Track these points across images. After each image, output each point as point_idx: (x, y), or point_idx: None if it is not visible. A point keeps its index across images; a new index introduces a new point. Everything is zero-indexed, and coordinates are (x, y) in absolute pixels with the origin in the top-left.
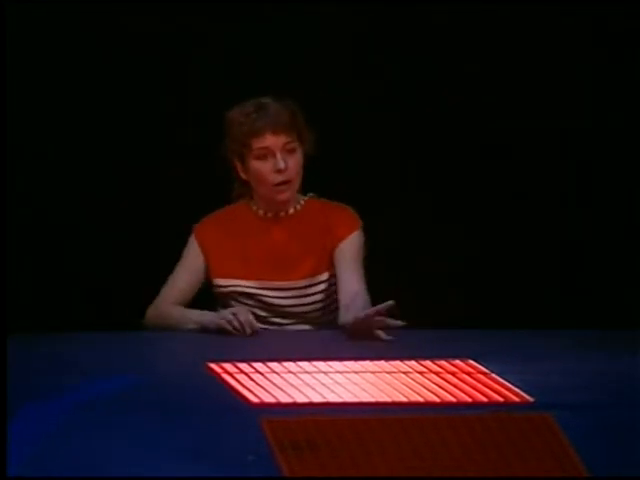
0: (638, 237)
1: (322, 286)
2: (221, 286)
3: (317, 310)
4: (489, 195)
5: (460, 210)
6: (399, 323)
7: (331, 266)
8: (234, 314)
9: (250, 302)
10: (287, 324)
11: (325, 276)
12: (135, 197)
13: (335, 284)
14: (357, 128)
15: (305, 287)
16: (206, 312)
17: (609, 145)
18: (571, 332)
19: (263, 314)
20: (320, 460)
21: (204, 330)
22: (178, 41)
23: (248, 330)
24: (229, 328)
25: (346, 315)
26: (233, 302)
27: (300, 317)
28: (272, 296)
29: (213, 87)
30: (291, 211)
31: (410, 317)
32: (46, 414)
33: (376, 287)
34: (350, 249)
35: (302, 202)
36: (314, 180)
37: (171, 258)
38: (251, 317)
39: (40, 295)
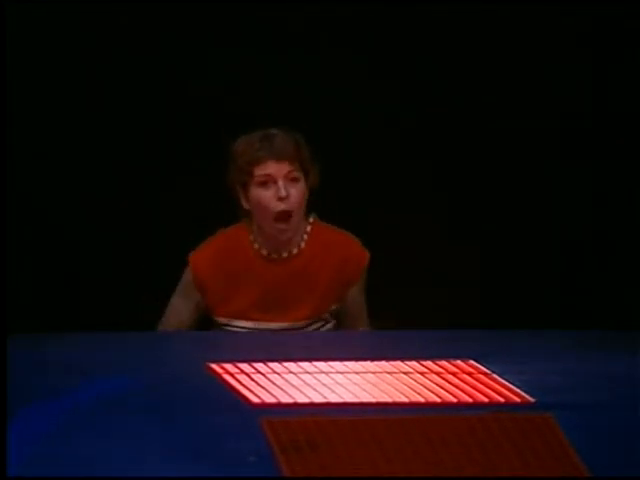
0: (638, 237)
1: (323, 322)
2: (219, 324)
3: None
4: (489, 195)
5: (460, 210)
6: None
7: (334, 302)
8: None
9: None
10: None
11: (327, 314)
12: (136, 197)
13: (337, 315)
14: (359, 147)
15: (305, 326)
16: None
17: (609, 145)
18: (571, 332)
19: None
20: (321, 460)
21: None
22: (180, 43)
23: None
24: None
25: None
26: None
27: None
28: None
29: (213, 87)
30: (295, 251)
31: (411, 317)
32: (46, 414)
33: (376, 287)
34: (361, 289)
35: (305, 237)
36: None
37: (171, 259)
38: None
39: (40, 295)
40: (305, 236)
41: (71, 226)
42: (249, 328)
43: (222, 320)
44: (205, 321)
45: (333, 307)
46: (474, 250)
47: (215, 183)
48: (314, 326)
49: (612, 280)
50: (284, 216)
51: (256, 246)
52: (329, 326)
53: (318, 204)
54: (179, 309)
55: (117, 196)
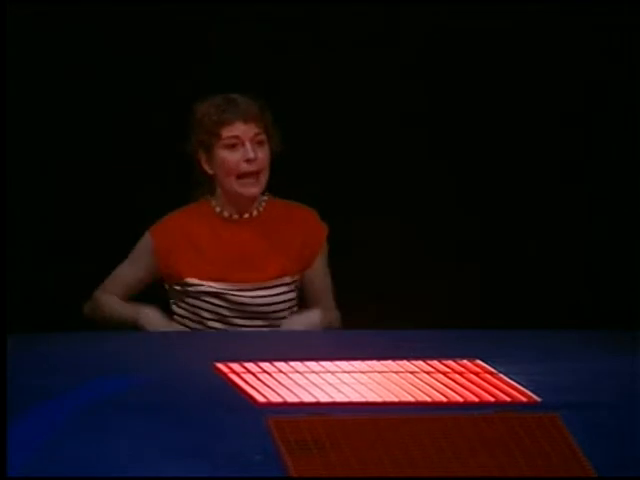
0: (638, 237)
1: (287, 287)
2: (184, 286)
3: (283, 310)
4: (490, 195)
5: (462, 210)
6: None
7: (297, 268)
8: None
9: (216, 301)
10: (250, 326)
11: (292, 277)
12: (136, 197)
13: (301, 286)
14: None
15: (268, 287)
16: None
17: (610, 146)
18: (577, 332)
19: (227, 314)
20: (327, 459)
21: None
22: (178, 42)
23: None
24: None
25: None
26: (198, 302)
27: (265, 318)
28: (239, 295)
29: (213, 88)
30: (255, 213)
31: (412, 317)
32: (46, 414)
33: (377, 287)
34: (324, 264)
35: (263, 204)
36: (284, 181)
37: None
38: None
39: (40, 295)
40: (263, 203)
41: (71, 225)
42: (218, 288)
43: (193, 281)
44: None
45: (296, 275)
46: (475, 249)
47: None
48: (279, 289)
49: (617, 280)
50: (251, 175)
51: (218, 209)
52: (292, 295)
53: (319, 204)
54: (126, 274)
55: (117, 196)
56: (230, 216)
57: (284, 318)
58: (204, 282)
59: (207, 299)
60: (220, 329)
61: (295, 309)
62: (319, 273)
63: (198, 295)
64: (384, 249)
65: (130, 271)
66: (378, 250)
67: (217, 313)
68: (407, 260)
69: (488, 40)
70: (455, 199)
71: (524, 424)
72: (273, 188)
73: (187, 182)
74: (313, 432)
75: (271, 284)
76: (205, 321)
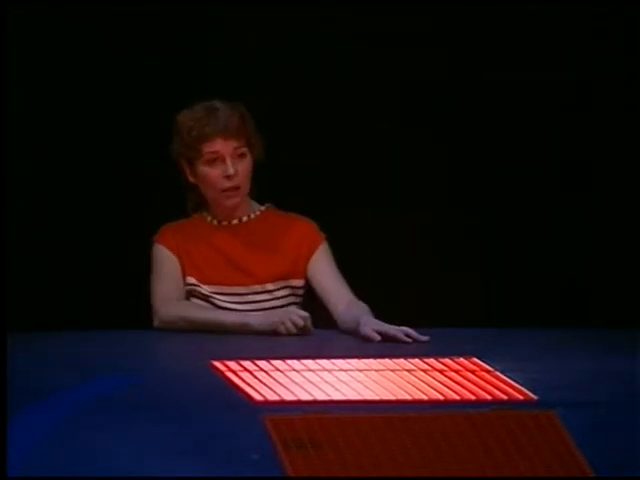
0: (638, 237)
1: (279, 293)
2: (189, 284)
3: None
4: (489, 195)
5: (461, 210)
6: (424, 339)
7: (291, 276)
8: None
9: (207, 305)
10: None
11: (282, 284)
12: (136, 197)
13: (299, 295)
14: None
15: (259, 293)
16: (244, 313)
17: (610, 146)
18: (574, 330)
19: None
20: (324, 458)
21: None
22: (177, 42)
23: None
24: (282, 330)
25: (348, 322)
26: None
27: None
28: (227, 301)
29: (213, 86)
30: (245, 219)
31: (409, 315)
32: (46, 414)
33: (377, 287)
34: (323, 257)
35: (258, 212)
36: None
37: None
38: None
39: (40, 294)
40: (257, 211)
41: (71, 225)
42: (209, 292)
43: (193, 280)
44: None
45: (288, 281)
46: (475, 249)
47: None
48: (281, 292)
49: (614, 278)
50: (232, 190)
51: (209, 218)
52: (282, 302)
53: (320, 209)
54: (165, 287)
55: (117, 196)
56: (220, 223)
57: None
58: (200, 284)
59: (200, 302)
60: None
61: None
62: (330, 276)
63: (193, 297)
64: (383, 248)
65: (166, 283)
66: (377, 249)
67: None
68: (406, 260)
69: (492, 40)
70: (455, 198)
71: (521, 422)
72: (274, 192)
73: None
74: (310, 430)
75: (260, 290)
76: None
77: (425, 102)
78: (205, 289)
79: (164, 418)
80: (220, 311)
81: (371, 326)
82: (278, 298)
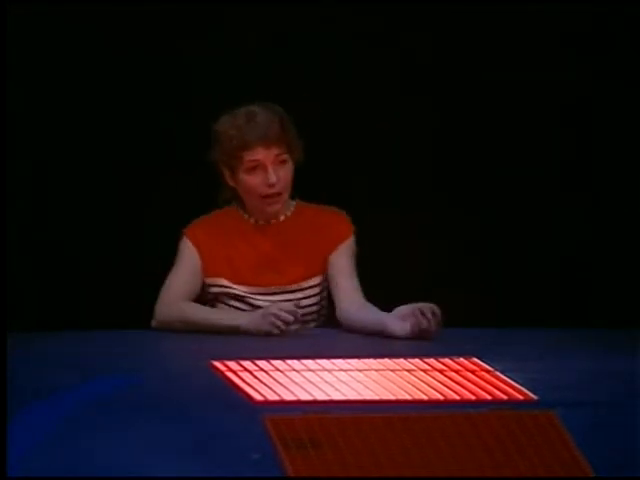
0: (638, 237)
1: (313, 290)
2: (211, 286)
3: (311, 314)
4: (489, 195)
5: (461, 210)
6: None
7: (322, 270)
8: (273, 314)
9: (239, 305)
10: None
11: (316, 280)
12: (137, 197)
13: (327, 288)
14: (349, 130)
15: (294, 291)
16: (237, 312)
17: (610, 146)
18: (573, 330)
19: None
20: (324, 458)
21: (234, 332)
22: (178, 42)
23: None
24: (275, 330)
25: (364, 322)
26: (221, 305)
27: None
28: (262, 299)
29: (213, 86)
30: (281, 218)
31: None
32: (46, 414)
33: (378, 287)
34: (347, 253)
35: (291, 208)
36: (306, 184)
37: (172, 257)
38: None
39: (40, 293)
40: (292, 208)
41: (71, 224)
42: (244, 292)
43: (213, 281)
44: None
45: (321, 275)
46: (475, 249)
47: (215, 183)
48: (303, 293)
49: (613, 278)
50: (274, 196)
51: (246, 217)
52: (317, 299)
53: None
54: (179, 280)
55: (117, 195)
56: (256, 222)
57: (312, 321)
58: (233, 285)
59: (231, 303)
60: None
61: (324, 312)
62: (346, 274)
63: (223, 299)
64: (383, 248)
65: (184, 277)
66: (377, 249)
67: None
68: (406, 260)
69: (492, 40)
70: (455, 198)
71: (521, 422)
72: (300, 189)
73: (186, 184)
74: (310, 430)
75: (296, 288)
76: None
77: (425, 102)
78: (239, 289)
79: (164, 418)
80: (215, 315)
81: (401, 318)
82: (310, 297)
